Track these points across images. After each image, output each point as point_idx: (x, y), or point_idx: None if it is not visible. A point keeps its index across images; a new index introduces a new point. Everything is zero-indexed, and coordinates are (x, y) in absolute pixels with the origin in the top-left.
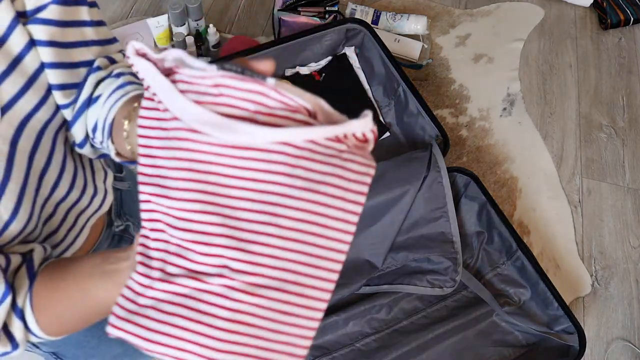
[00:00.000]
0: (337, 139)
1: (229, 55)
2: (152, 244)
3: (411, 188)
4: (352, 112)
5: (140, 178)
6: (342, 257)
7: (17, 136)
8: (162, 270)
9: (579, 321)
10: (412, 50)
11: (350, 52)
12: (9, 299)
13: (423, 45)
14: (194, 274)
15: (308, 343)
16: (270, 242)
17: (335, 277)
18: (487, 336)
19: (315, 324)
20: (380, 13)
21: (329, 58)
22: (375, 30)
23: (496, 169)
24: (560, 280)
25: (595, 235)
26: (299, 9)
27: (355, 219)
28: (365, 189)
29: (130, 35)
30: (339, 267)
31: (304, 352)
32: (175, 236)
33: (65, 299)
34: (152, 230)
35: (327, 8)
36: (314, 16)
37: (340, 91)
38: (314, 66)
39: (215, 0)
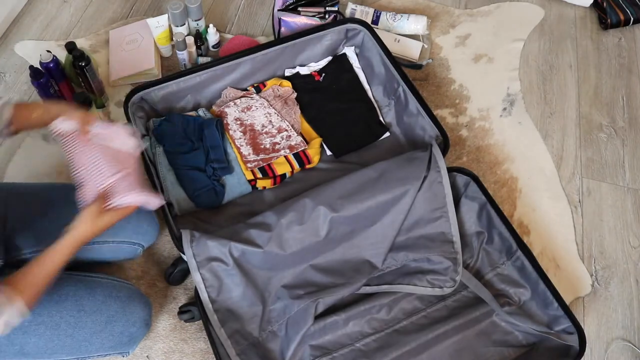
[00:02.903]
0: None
1: (228, 55)
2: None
3: (411, 188)
4: (353, 112)
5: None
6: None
7: None
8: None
9: (579, 321)
10: (412, 50)
11: (350, 52)
12: None
13: (423, 45)
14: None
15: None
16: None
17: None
18: (487, 336)
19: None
20: (380, 13)
21: (329, 58)
22: (375, 30)
23: (496, 169)
24: (560, 280)
25: (595, 235)
26: (299, 9)
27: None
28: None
29: (130, 35)
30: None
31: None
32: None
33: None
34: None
35: (327, 8)
36: (314, 16)
37: (340, 91)
38: (314, 66)
39: (215, 0)
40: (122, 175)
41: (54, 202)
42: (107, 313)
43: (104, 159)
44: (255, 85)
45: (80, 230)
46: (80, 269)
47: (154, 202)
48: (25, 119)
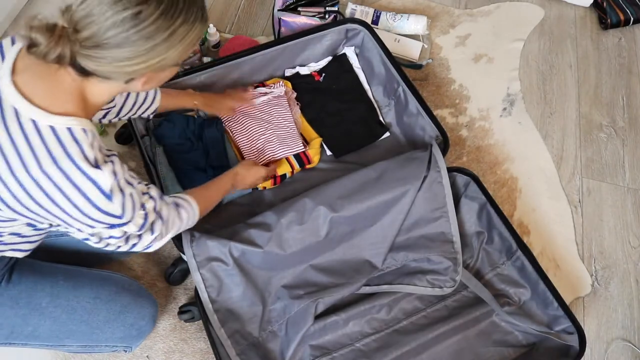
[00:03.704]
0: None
1: (228, 55)
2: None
3: (411, 188)
4: (353, 112)
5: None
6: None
7: None
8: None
9: (579, 321)
10: (412, 50)
11: (350, 52)
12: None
13: (423, 45)
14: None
15: None
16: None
17: None
18: (487, 336)
19: None
20: (380, 13)
21: (329, 58)
22: (375, 30)
23: (496, 169)
24: (560, 280)
25: (595, 235)
26: (299, 9)
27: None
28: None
29: None
30: None
31: None
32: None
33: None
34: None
35: (327, 8)
36: (314, 16)
37: (340, 91)
38: (314, 66)
39: (215, 0)
40: (267, 137)
41: None
42: (121, 303)
43: (253, 126)
44: (255, 85)
45: (238, 170)
46: (84, 262)
47: (295, 151)
48: (167, 106)
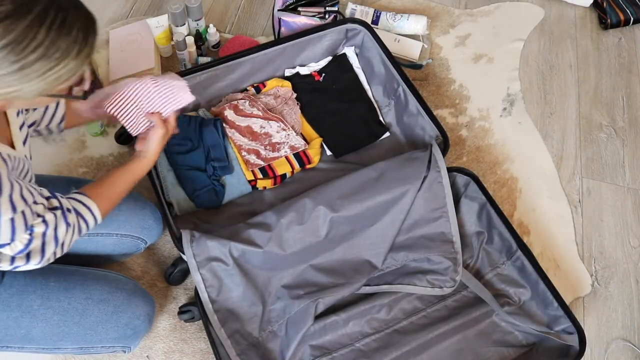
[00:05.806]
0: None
1: (228, 55)
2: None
3: (411, 188)
4: (353, 112)
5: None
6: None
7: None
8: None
9: (579, 321)
10: (412, 50)
11: (350, 52)
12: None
13: (423, 45)
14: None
15: None
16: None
17: None
18: (487, 336)
19: None
20: (380, 13)
21: (329, 58)
22: (375, 30)
23: (496, 169)
24: (560, 280)
25: (595, 235)
26: (299, 9)
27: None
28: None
29: (130, 35)
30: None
31: None
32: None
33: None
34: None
35: (327, 8)
36: (314, 16)
37: (340, 91)
38: (314, 66)
39: (215, 0)
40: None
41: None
42: (113, 303)
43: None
44: (255, 85)
45: (142, 148)
46: (84, 264)
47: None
48: (76, 117)
